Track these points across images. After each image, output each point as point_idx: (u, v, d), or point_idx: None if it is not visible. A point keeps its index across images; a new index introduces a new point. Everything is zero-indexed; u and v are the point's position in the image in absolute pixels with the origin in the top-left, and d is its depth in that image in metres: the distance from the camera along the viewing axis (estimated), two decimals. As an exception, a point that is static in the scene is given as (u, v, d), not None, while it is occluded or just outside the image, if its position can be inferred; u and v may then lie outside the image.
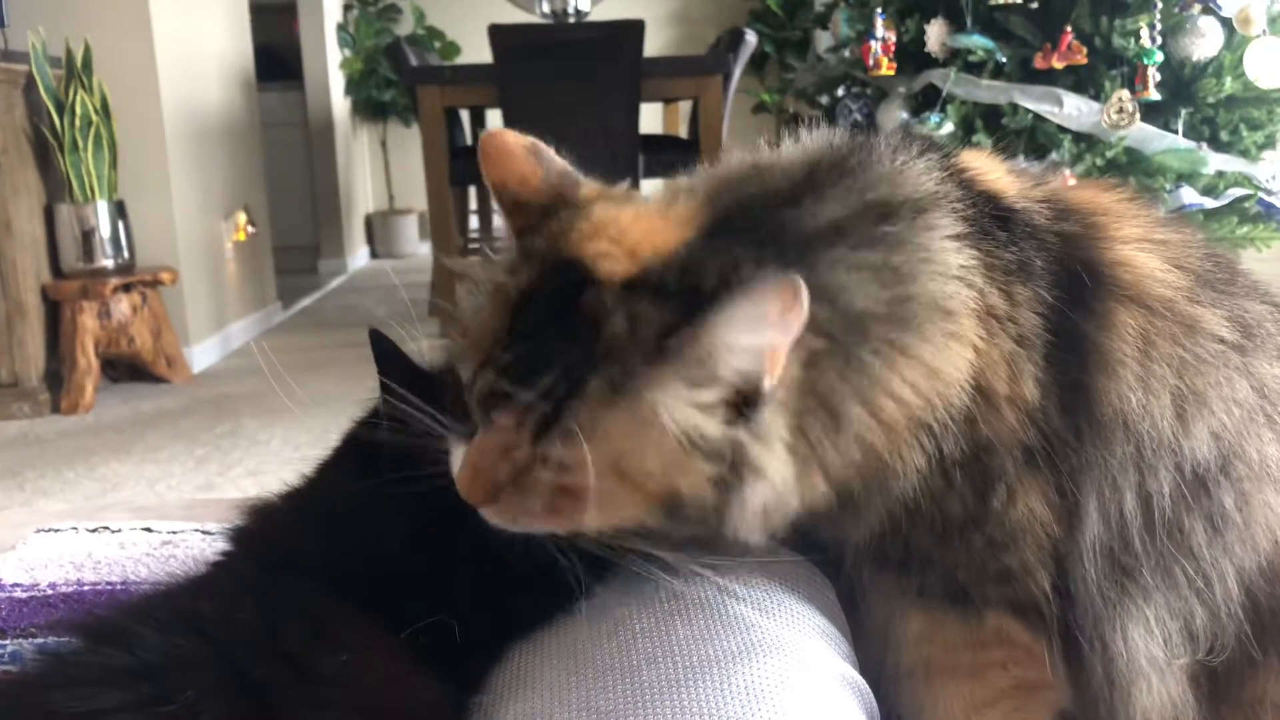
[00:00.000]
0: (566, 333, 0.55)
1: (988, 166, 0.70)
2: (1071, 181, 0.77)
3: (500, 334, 0.57)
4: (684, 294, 0.54)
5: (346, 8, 6.33)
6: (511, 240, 0.63)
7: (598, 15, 4.90)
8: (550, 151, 0.66)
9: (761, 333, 0.52)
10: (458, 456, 0.59)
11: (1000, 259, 0.64)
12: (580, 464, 0.54)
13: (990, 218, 0.65)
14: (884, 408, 0.59)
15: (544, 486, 0.56)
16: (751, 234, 0.58)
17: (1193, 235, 0.73)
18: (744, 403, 0.55)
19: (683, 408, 0.54)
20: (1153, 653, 0.66)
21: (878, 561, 0.69)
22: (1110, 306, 0.65)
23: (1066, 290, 0.64)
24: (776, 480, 0.57)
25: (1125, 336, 0.64)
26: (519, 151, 0.64)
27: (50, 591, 0.97)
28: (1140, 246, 0.68)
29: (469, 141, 4.87)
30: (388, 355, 0.69)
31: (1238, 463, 0.66)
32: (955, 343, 0.61)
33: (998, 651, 0.68)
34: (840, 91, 3.26)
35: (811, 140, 0.68)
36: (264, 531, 0.67)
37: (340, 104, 6.09)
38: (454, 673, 0.58)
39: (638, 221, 0.59)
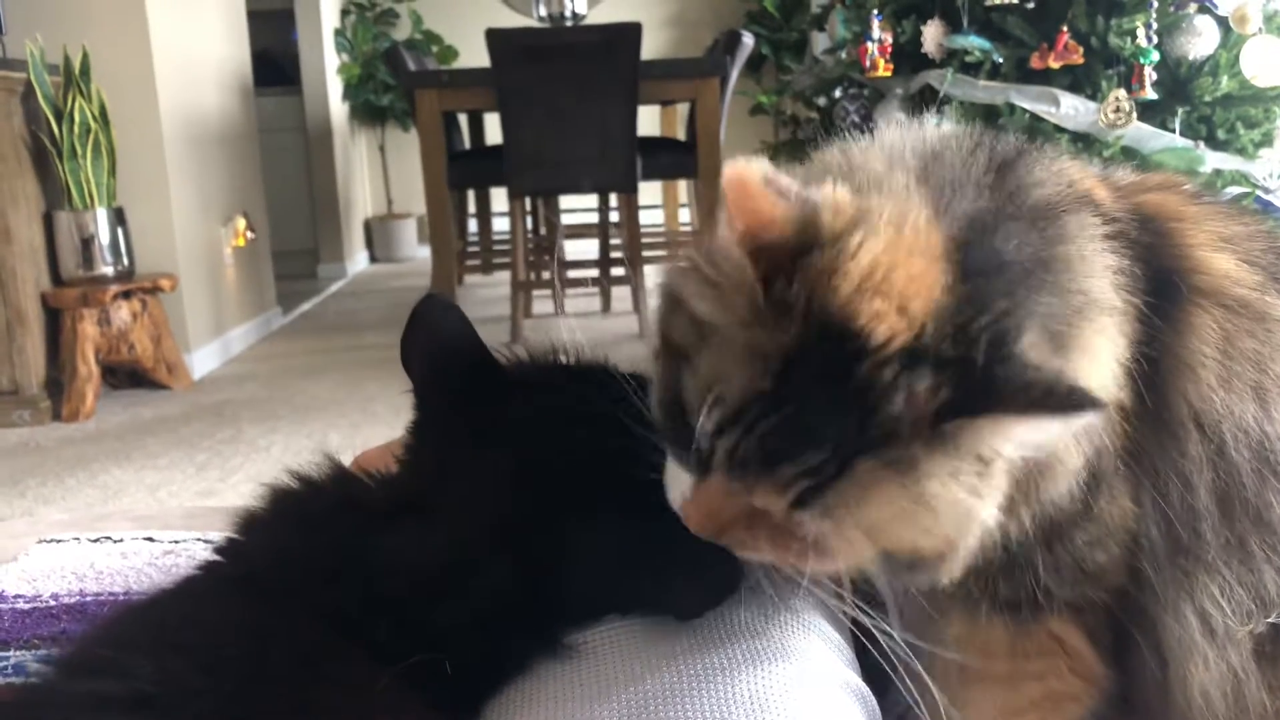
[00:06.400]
0: (838, 406, 0.51)
1: (1086, 175, 0.70)
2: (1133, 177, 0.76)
3: (754, 392, 0.52)
4: (959, 365, 0.51)
5: (344, 13, 6.33)
6: (752, 282, 0.53)
7: (595, 18, 4.91)
8: (783, 177, 0.55)
9: (1045, 432, 0.52)
10: (678, 481, 0.57)
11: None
12: (831, 531, 0.53)
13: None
14: None
15: (781, 535, 0.55)
16: (996, 266, 0.55)
17: (1258, 226, 0.74)
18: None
19: (957, 491, 0.52)
20: (1213, 625, 0.67)
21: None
22: (1189, 310, 0.66)
23: (1154, 297, 0.65)
24: (990, 523, 0.55)
25: (1206, 339, 0.65)
26: (760, 188, 0.53)
27: (53, 603, 0.97)
28: (1216, 248, 0.69)
29: (467, 145, 4.88)
30: (448, 326, 0.65)
31: None
32: (1106, 340, 0.60)
33: (1038, 663, 0.69)
34: (837, 93, 3.26)
35: (979, 136, 0.66)
36: (254, 553, 0.64)
37: (338, 109, 6.09)
38: (449, 702, 0.57)
39: (900, 263, 0.53)
